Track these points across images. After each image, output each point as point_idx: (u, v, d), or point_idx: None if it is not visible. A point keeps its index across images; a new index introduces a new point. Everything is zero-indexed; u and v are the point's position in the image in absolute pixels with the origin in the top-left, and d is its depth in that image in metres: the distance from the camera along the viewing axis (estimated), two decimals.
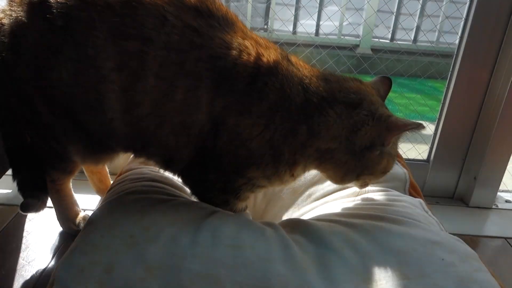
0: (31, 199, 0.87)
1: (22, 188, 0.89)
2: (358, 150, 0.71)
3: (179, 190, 0.88)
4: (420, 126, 0.70)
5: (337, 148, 0.71)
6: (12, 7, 0.73)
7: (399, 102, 2.90)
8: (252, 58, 0.69)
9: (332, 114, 0.71)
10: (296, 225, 0.71)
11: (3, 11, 0.76)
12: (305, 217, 0.84)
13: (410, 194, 0.86)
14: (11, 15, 0.72)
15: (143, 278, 0.56)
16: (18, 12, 0.71)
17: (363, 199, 0.80)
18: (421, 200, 0.82)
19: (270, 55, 0.71)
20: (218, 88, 0.68)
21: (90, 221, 0.73)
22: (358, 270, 0.57)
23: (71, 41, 0.68)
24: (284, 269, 0.57)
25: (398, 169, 0.92)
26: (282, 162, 0.73)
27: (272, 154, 0.72)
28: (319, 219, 0.74)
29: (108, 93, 0.70)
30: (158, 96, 0.69)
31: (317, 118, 0.71)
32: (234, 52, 0.68)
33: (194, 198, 0.82)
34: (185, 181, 0.81)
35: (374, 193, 0.82)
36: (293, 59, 0.76)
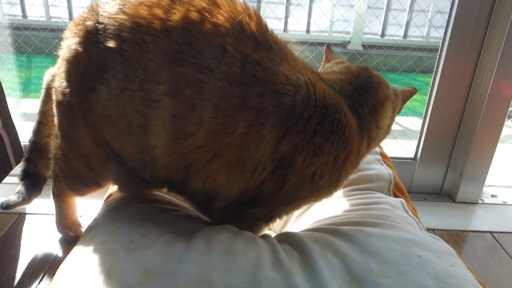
0: (15, 196, 0.99)
1: (22, 178, 1.02)
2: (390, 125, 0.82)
3: (179, 200, 0.90)
4: (416, 90, 0.88)
5: (380, 133, 0.80)
6: (67, 39, 0.73)
7: None
8: (317, 96, 0.67)
9: (385, 115, 0.78)
10: (283, 236, 0.74)
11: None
12: (293, 222, 0.87)
13: (394, 194, 0.89)
14: (63, 45, 0.74)
15: (141, 282, 0.59)
16: (71, 41, 0.71)
17: (345, 205, 0.83)
18: (403, 200, 0.85)
19: (326, 89, 0.69)
20: (286, 127, 0.65)
21: (91, 227, 0.75)
22: (340, 271, 0.60)
23: (119, 60, 0.65)
24: (273, 273, 0.60)
25: (383, 170, 0.95)
26: (342, 183, 0.76)
27: (339, 182, 0.74)
28: (303, 230, 0.78)
29: (156, 119, 0.65)
30: (216, 129, 0.64)
31: (375, 126, 0.77)
32: (302, 90, 0.66)
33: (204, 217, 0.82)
34: (213, 216, 0.77)
35: (357, 196, 0.85)
36: (325, 77, 0.76)
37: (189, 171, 0.68)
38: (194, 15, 0.64)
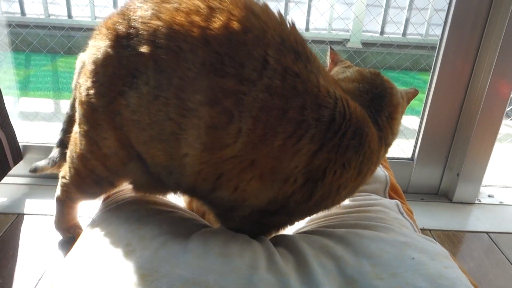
0: (45, 161, 1.05)
1: (57, 145, 1.06)
2: None
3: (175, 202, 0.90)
4: (417, 92, 0.89)
5: (394, 139, 0.81)
6: (95, 40, 0.72)
7: None
8: (351, 110, 0.68)
9: (399, 121, 0.79)
10: (278, 239, 0.75)
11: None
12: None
13: (390, 196, 0.90)
14: (90, 45, 0.72)
15: (137, 284, 0.60)
16: (101, 43, 0.69)
17: (341, 206, 0.83)
18: (398, 202, 0.86)
19: (356, 104, 0.70)
20: (324, 140, 0.65)
21: (89, 229, 0.76)
22: (335, 274, 0.61)
23: (153, 66, 0.64)
24: (269, 276, 0.60)
25: (379, 171, 0.96)
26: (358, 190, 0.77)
27: (356, 191, 0.75)
28: (298, 232, 0.78)
29: (190, 128, 0.64)
30: (254, 140, 0.63)
31: (391, 133, 0.77)
32: (339, 103, 0.66)
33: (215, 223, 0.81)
34: (231, 223, 0.76)
35: (352, 198, 0.86)
36: (344, 87, 0.76)
37: (220, 180, 0.68)
38: (235, 25, 0.62)
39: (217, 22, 0.62)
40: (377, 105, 0.76)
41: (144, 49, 0.63)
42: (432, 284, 0.60)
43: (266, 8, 0.66)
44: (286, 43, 0.64)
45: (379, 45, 3.21)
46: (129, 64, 0.65)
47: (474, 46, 1.30)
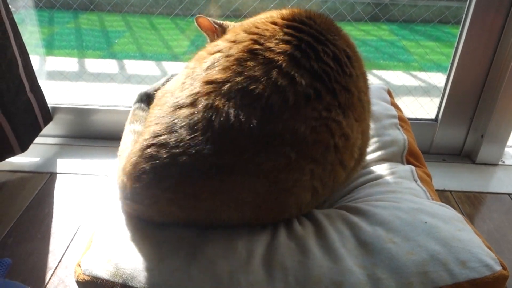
0: None
1: None
2: None
3: None
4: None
5: None
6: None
7: (414, 52, 2.83)
8: None
9: None
10: None
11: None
12: None
13: (407, 161, 0.89)
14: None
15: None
16: None
17: (353, 182, 0.84)
18: (413, 168, 0.85)
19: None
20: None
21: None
22: (349, 238, 0.63)
23: None
24: (288, 240, 0.64)
25: (398, 135, 0.94)
26: None
27: None
28: None
29: None
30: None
31: None
32: None
33: None
34: None
35: (366, 170, 0.86)
36: None
37: None
38: None
39: None
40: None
41: None
42: (445, 246, 0.61)
43: None
44: None
45: None
46: None
47: None
